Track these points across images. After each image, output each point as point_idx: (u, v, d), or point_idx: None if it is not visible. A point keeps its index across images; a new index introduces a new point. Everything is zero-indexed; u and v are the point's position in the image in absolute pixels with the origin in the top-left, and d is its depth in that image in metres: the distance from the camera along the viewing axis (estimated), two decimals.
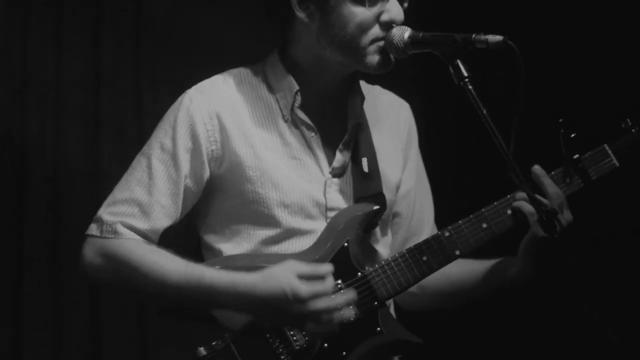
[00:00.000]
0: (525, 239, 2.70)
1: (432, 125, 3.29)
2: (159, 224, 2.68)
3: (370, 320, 2.67)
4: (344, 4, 2.64)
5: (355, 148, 2.78)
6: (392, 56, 2.67)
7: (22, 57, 3.74)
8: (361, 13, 2.64)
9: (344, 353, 2.64)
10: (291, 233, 2.71)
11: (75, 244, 2.73)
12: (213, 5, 3.99)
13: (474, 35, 2.47)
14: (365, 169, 2.76)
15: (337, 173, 2.77)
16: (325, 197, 2.74)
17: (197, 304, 2.60)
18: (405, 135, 2.92)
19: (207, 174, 2.71)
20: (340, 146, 2.77)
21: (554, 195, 2.66)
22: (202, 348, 2.59)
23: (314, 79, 2.75)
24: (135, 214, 2.67)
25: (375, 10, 2.65)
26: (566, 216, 2.68)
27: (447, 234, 2.72)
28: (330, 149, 2.77)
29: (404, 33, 2.63)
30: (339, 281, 2.66)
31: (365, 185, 2.76)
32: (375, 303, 2.68)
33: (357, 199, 2.75)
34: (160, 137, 2.72)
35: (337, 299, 2.54)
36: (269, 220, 2.70)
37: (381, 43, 2.66)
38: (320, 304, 2.51)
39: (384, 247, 2.84)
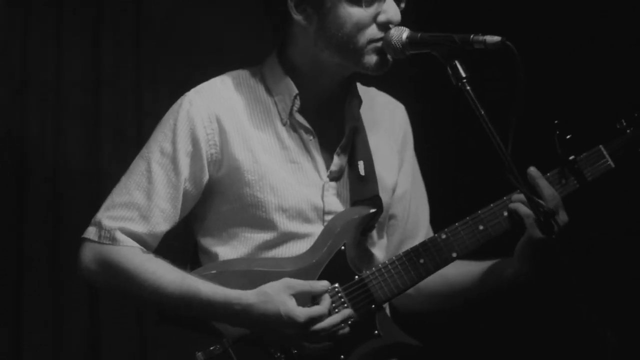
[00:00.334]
0: (522, 241, 2.69)
1: (430, 126, 3.29)
2: (158, 228, 2.68)
3: (368, 323, 2.67)
4: (341, 5, 2.64)
5: (352, 151, 2.78)
6: (389, 57, 2.67)
7: (22, 57, 3.73)
8: (358, 13, 2.64)
9: (342, 357, 2.64)
10: (288, 237, 2.71)
11: (75, 244, 2.73)
12: (213, 5, 3.98)
13: (472, 36, 2.47)
14: (362, 172, 2.76)
15: (335, 177, 2.76)
16: (323, 201, 2.74)
17: (194, 315, 2.61)
18: (401, 137, 2.91)
19: (206, 177, 2.71)
20: (338, 149, 2.77)
21: (550, 196, 2.65)
22: (200, 353, 2.59)
23: (311, 81, 2.74)
24: (134, 218, 2.66)
25: (371, 10, 2.65)
26: (562, 217, 2.67)
27: (443, 236, 2.72)
28: (327, 152, 2.77)
29: (402, 34, 2.63)
30: (336, 285, 2.67)
31: (362, 189, 2.76)
32: (373, 306, 2.68)
33: (354, 202, 2.75)
34: (159, 141, 2.71)
35: (333, 319, 2.57)
36: (266, 224, 2.70)
37: (379, 44, 2.66)
38: (317, 326, 2.54)
39: (380, 250, 2.84)
